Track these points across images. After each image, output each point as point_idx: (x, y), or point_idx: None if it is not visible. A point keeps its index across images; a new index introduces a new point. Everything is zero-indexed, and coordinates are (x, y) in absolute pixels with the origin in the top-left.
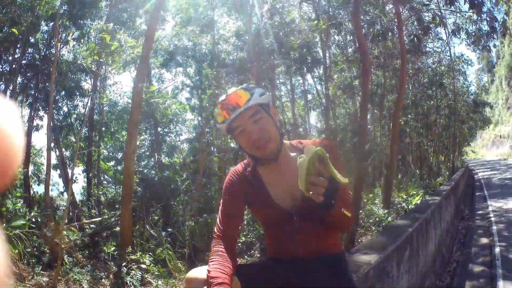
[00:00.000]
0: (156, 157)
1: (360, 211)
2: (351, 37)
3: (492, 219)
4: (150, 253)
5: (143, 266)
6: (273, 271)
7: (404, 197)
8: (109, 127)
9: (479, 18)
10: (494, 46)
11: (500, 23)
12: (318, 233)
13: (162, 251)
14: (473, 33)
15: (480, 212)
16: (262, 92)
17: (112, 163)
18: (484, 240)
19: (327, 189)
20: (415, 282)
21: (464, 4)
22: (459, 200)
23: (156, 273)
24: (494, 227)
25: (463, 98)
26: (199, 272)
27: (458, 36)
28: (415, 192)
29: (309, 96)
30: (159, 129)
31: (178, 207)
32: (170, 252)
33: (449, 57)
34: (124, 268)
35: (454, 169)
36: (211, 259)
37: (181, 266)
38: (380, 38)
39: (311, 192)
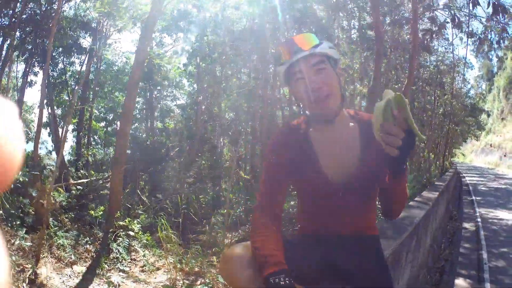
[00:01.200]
0: (149, 121)
1: None
2: (360, 23)
3: (480, 224)
4: (138, 220)
5: (131, 233)
6: (310, 249)
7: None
8: (104, 86)
9: (492, 26)
10: (497, 56)
11: (510, 35)
12: (361, 212)
13: (153, 219)
14: (482, 39)
15: (467, 215)
16: (332, 46)
17: (102, 124)
18: (471, 243)
19: (403, 142)
20: (414, 274)
21: (488, 8)
22: (448, 200)
23: (144, 241)
24: (482, 232)
25: (461, 100)
26: (241, 250)
27: (465, 40)
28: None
29: None
30: (155, 92)
31: (170, 174)
32: (163, 219)
33: (452, 57)
34: (112, 234)
35: (444, 168)
36: (258, 233)
37: (172, 236)
38: (396, 25)
39: (385, 145)
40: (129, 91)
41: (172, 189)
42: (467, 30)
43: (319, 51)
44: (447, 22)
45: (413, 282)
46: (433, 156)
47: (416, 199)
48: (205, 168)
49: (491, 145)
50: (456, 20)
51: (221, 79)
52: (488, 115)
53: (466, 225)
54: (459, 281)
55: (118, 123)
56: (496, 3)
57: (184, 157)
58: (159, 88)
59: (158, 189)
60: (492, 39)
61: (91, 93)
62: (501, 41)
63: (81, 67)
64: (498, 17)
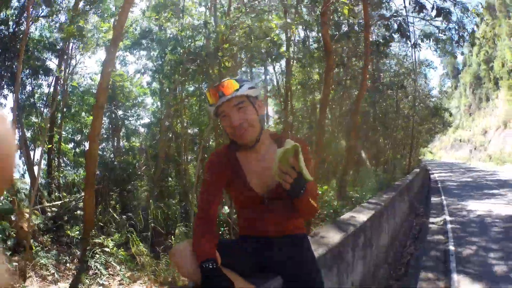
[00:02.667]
0: (115, 141)
1: None
2: (317, 34)
3: (447, 218)
4: (112, 237)
5: (107, 249)
6: (245, 247)
7: (359, 191)
8: (71, 108)
9: (447, 26)
10: (462, 53)
11: (469, 33)
12: (285, 216)
13: (125, 235)
14: (441, 40)
15: (435, 210)
16: (252, 86)
17: (70, 145)
18: (439, 237)
19: (295, 180)
20: (369, 269)
21: (431, 11)
22: (414, 198)
23: (120, 256)
24: (449, 226)
25: (424, 101)
26: (184, 247)
27: (427, 43)
28: (369, 187)
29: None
30: (120, 112)
31: (138, 192)
32: (133, 235)
33: (413, 61)
34: (89, 251)
35: (410, 168)
36: (196, 232)
37: (143, 250)
38: (345, 38)
39: (281, 179)
40: (95, 116)
41: (140, 206)
42: (415, 36)
43: (239, 94)
44: (394, 33)
45: (369, 277)
46: (399, 156)
47: (370, 200)
48: (172, 184)
49: (460, 140)
50: (402, 30)
51: (182, 97)
52: (450, 114)
53: (433, 220)
54: (425, 274)
55: (87, 144)
56: (439, 8)
57: (151, 175)
58: (123, 108)
59: (128, 207)
60: (452, 36)
61: (59, 115)
62: (460, 40)
63: (49, 89)
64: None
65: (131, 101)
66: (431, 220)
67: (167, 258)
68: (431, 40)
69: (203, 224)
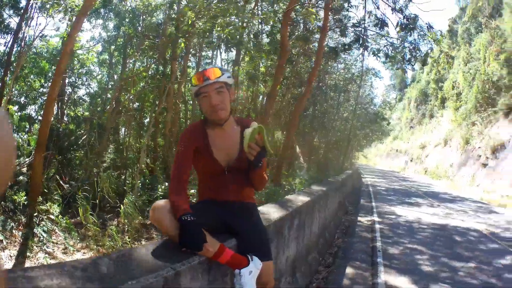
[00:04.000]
0: (61, 108)
1: None
2: (270, 29)
3: (376, 219)
4: (57, 205)
5: (52, 217)
6: (209, 208)
7: (292, 182)
8: (23, 69)
9: (402, 45)
10: (413, 70)
11: (424, 54)
12: (241, 184)
13: (71, 204)
14: (393, 57)
15: (364, 211)
16: (230, 75)
17: (15, 107)
18: (366, 234)
19: (259, 153)
20: (301, 250)
21: (396, 28)
22: (345, 197)
23: (64, 224)
24: (377, 225)
25: (365, 107)
26: (164, 204)
27: (378, 56)
28: (301, 180)
29: None
30: (69, 79)
31: (82, 161)
32: (84, 202)
33: (360, 67)
34: (35, 218)
35: (343, 168)
36: (172, 192)
37: (90, 218)
38: (301, 39)
39: (249, 152)
40: (54, 80)
41: (85, 176)
42: (373, 48)
43: (220, 80)
44: (353, 43)
45: (301, 258)
46: (331, 156)
47: (304, 190)
48: (112, 157)
49: (397, 150)
50: (360, 41)
51: (131, 72)
52: (388, 123)
53: (362, 219)
54: (352, 264)
55: (31, 108)
56: (403, 24)
57: (93, 145)
58: (74, 75)
59: (70, 176)
60: (405, 54)
61: (10, 75)
62: (412, 59)
63: (5, 48)
64: (405, 34)
65: (83, 69)
66: (360, 219)
67: (111, 228)
68: (381, 55)
69: (178, 186)
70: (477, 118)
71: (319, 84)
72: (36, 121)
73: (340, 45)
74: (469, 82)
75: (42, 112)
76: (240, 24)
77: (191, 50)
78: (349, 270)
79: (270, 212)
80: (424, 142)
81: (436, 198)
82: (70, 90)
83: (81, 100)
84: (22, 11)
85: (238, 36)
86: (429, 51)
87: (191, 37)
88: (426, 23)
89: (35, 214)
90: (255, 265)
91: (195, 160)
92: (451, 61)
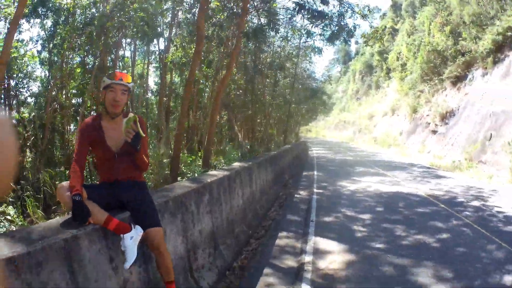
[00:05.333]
0: (6, 111)
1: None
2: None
3: (315, 190)
4: (11, 206)
5: (9, 217)
6: (104, 188)
7: (223, 160)
8: None
9: (328, 23)
10: (356, 43)
11: (348, 29)
12: (129, 166)
13: (24, 201)
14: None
15: (305, 183)
16: (133, 85)
17: None
18: (303, 206)
19: (134, 136)
20: (221, 224)
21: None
22: (284, 170)
23: (19, 222)
24: (315, 197)
25: (303, 83)
26: (65, 184)
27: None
28: (230, 158)
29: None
30: (12, 83)
31: (27, 162)
32: (31, 199)
33: (299, 44)
34: None
35: (286, 143)
36: (71, 176)
37: (39, 212)
38: (218, 27)
39: (126, 135)
40: None
41: (33, 176)
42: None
43: (128, 85)
44: (265, 25)
45: (222, 230)
46: (275, 132)
47: (223, 167)
48: (57, 154)
49: (344, 122)
50: (271, 24)
51: (68, 68)
52: (329, 97)
53: (301, 192)
54: (284, 234)
55: None
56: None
57: (39, 146)
58: (16, 78)
59: (23, 178)
60: (344, 34)
61: None
62: (340, 36)
63: None
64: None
65: (23, 72)
66: (300, 191)
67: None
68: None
69: (75, 170)
70: (424, 87)
71: (255, 63)
72: None
73: (250, 29)
74: (413, 53)
75: None
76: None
77: (122, 41)
78: (279, 241)
79: (175, 189)
80: (371, 112)
81: (382, 167)
82: (13, 93)
83: (24, 103)
84: None
85: (156, 24)
86: (352, 28)
87: (109, 31)
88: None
89: None
90: (136, 232)
91: (93, 148)
92: (383, 36)
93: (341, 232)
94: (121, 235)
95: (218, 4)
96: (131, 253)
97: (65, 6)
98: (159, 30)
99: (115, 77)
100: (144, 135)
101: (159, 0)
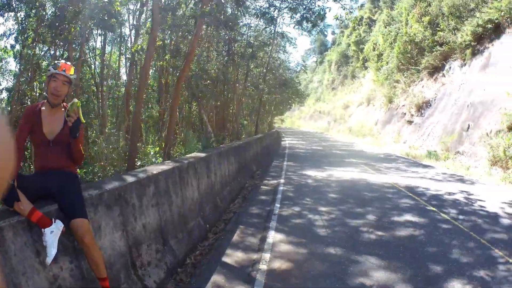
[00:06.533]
0: None
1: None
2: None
3: (282, 181)
4: None
5: None
6: (36, 178)
7: (183, 152)
8: None
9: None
10: (333, 33)
11: (316, 14)
12: (62, 156)
13: None
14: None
15: (274, 174)
16: (75, 77)
17: None
18: (268, 197)
19: (75, 122)
20: (171, 218)
21: None
22: (251, 161)
23: None
24: (281, 188)
25: (275, 72)
26: None
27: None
28: (193, 146)
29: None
30: None
31: None
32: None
33: (272, 34)
34: None
35: (257, 133)
36: None
37: None
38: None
39: (69, 119)
40: None
41: None
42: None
43: (70, 77)
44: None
45: (172, 224)
46: (246, 122)
47: (178, 158)
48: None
49: (320, 112)
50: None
51: (36, 60)
52: (299, 84)
53: (268, 182)
54: (243, 229)
55: None
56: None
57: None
58: None
59: None
60: (313, 17)
61: None
62: (304, 21)
63: None
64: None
65: None
66: (266, 182)
67: None
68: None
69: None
70: (400, 77)
71: (228, 52)
72: None
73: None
74: (390, 43)
75: None
76: None
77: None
78: (236, 237)
79: (113, 182)
80: (347, 102)
81: (355, 157)
82: None
83: None
84: None
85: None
86: (321, 11)
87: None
88: None
89: None
90: (57, 226)
91: (31, 134)
92: (353, 20)
93: (303, 228)
94: (42, 229)
95: None
96: (52, 248)
97: None
98: (120, 18)
99: (60, 68)
100: (84, 121)
101: None
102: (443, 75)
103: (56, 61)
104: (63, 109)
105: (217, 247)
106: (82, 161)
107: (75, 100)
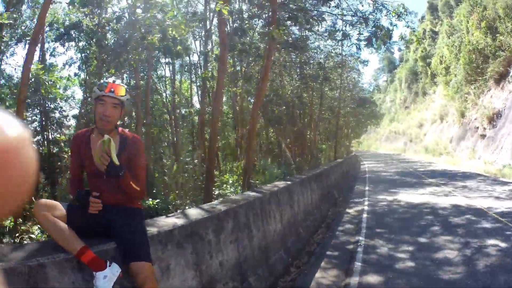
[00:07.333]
0: (45, 133)
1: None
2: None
3: (365, 208)
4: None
5: (33, 236)
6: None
7: (263, 180)
8: (3, 101)
9: (364, 25)
10: (400, 50)
11: (383, 32)
12: (118, 190)
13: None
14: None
15: (356, 200)
16: (128, 98)
17: None
18: (352, 226)
19: (109, 164)
20: (251, 253)
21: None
22: (332, 187)
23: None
24: (364, 215)
25: (351, 92)
26: (43, 201)
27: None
28: (274, 174)
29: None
30: (48, 104)
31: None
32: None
33: (341, 54)
34: (18, 239)
35: (336, 158)
36: (70, 186)
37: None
38: (240, 34)
39: (100, 161)
40: (17, 109)
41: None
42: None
43: (121, 99)
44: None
45: (252, 260)
46: (324, 146)
47: (257, 189)
48: None
49: (395, 132)
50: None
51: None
52: (377, 106)
53: (351, 210)
54: (325, 264)
55: None
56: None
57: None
58: (52, 100)
59: (61, 198)
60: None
61: None
62: (379, 40)
63: None
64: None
65: (56, 93)
66: (349, 210)
67: None
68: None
69: (73, 182)
70: (469, 89)
71: (301, 76)
72: None
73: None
74: (455, 55)
75: None
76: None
77: (153, 60)
78: (320, 273)
79: (187, 216)
80: (420, 121)
81: (435, 177)
82: (47, 115)
83: (64, 123)
84: None
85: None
86: (389, 27)
87: (141, 51)
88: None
89: (18, 235)
90: (111, 271)
91: (84, 163)
92: (419, 36)
93: (389, 262)
94: (94, 272)
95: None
96: None
97: (96, 28)
98: (188, 44)
99: (107, 88)
100: (117, 163)
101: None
102: (509, 82)
103: (102, 81)
104: (118, 136)
105: (301, 283)
106: (142, 195)
107: (106, 137)
